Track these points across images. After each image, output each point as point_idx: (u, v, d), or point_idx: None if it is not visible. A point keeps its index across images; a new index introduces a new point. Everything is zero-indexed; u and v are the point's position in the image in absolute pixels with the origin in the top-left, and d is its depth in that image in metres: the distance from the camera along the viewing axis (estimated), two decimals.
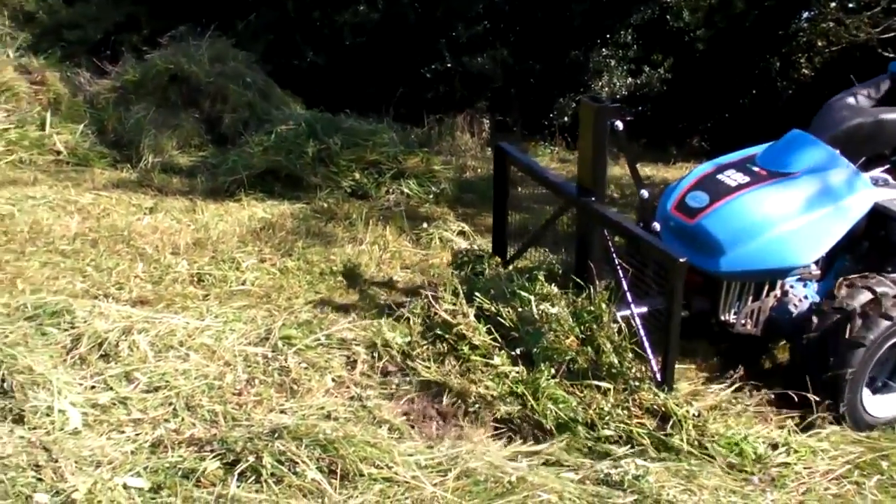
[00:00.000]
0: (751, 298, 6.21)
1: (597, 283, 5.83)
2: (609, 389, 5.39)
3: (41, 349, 5.43)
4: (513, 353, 5.63)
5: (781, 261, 6.06)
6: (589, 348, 5.55)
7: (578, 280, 5.91)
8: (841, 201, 6.12)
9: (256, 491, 4.34)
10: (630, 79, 15.49)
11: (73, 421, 4.96)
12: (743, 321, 6.23)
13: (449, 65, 14.67)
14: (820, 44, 15.79)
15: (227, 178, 9.39)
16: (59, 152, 10.32)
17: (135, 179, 9.68)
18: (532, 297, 5.75)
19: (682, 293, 5.64)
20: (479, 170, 11.27)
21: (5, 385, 5.08)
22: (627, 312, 5.73)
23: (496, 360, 5.56)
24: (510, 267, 6.68)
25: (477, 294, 6.00)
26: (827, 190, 6.14)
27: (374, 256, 7.78)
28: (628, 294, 5.75)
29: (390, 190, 9.45)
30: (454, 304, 5.92)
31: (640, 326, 5.63)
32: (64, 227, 7.88)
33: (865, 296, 5.82)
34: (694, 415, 5.36)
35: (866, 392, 5.89)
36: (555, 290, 5.83)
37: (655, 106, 15.92)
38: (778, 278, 6.22)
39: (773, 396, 5.92)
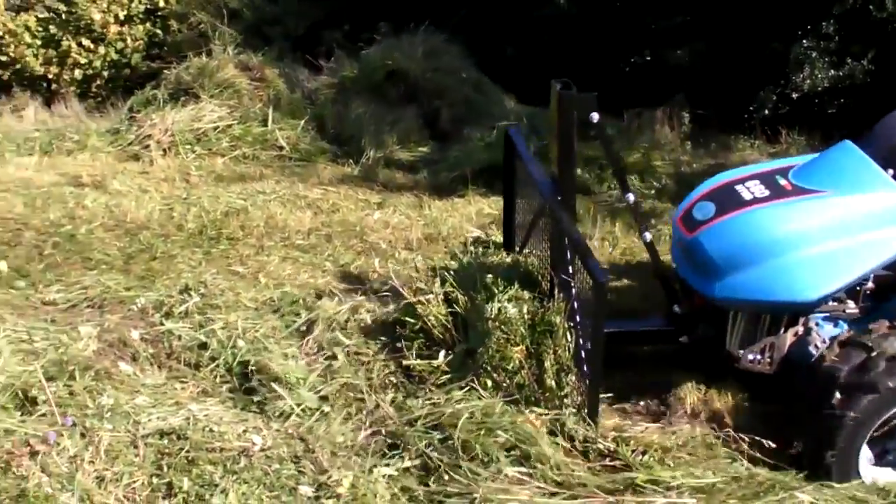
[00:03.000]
0: (765, 332, 5.29)
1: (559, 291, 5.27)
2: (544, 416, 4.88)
3: (287, 341, 5.61)
4: (455, 349, 5.34)
5: (781, 293, 5.05)
6: (534, 362, 5.08)
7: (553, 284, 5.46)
8: (873, 231, 5.06)
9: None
10: (832, 71, 15.03)
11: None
12: (752, 357, 5.30)
13: (648, 58, 14.49)
14: None
15: (450, 174, 9.43)
16: (281, 148, 10.52)
17: (358, 175, 9.77)
18: (497, 294, 5.32)
19: (692, 316, 5.37)
20: (694, 165, 11.07)
21: (260, 377, 5.21)
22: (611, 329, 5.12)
23: (440, 359, 5.29)
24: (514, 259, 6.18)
25: (448, 275, 5.73)
26: (858, 215, 5.10)
27: (605, 253, 7.64)
28: (576, 307, 5.11)
29: (612, 185, 9.32)
30: (425, 286, 5.75)
31: (582, 347, 5.06)
32: (297, 221, 8.05)
33: (858, 357, 4.78)
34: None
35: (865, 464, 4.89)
36: (525, 293, 5.38)
37: (857, 99, 15.41)
38: (778, 314, 5.25)
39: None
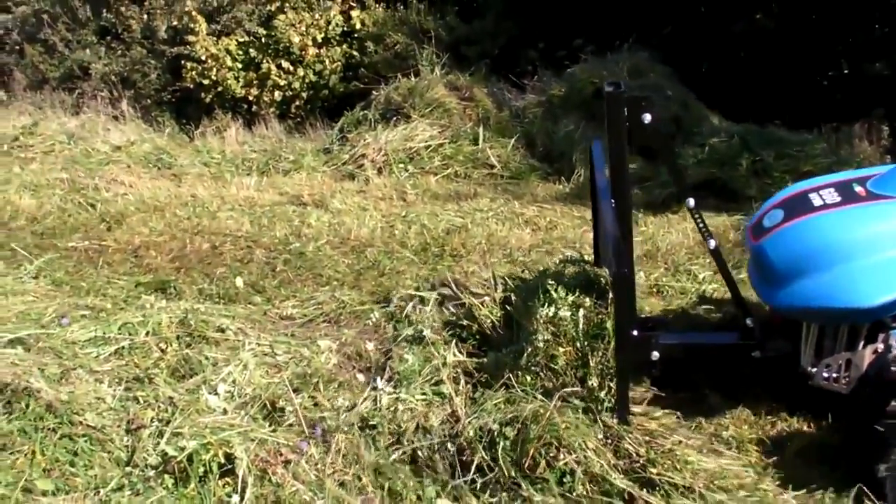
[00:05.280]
0: (842, 347, 4.85)
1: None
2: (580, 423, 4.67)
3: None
4: (504, 350, 5.33)
5: (840, 299, 4.60)
6: (578, 364, 4.96)
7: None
8: None
9: None
10: None
11: None
12: (827, 374, 4.87)
13: (846, 71, 14.17)
14: None
15: (663, 191, 9.38)
16: (492, 166, 10.69)
17: (571, 192, 9.85)
18: (557, 300, 5.17)
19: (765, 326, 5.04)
20: None
21: None
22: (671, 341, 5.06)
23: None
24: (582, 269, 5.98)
25: (507, 280, 5.85)
26: None
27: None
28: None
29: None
30: (485, 291, 5.83)
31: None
32: (518, 238, 8.16)
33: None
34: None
35: None
36: (586, 299, 5.17)
37: None
38: (837, 322, 4.81)
39: None
